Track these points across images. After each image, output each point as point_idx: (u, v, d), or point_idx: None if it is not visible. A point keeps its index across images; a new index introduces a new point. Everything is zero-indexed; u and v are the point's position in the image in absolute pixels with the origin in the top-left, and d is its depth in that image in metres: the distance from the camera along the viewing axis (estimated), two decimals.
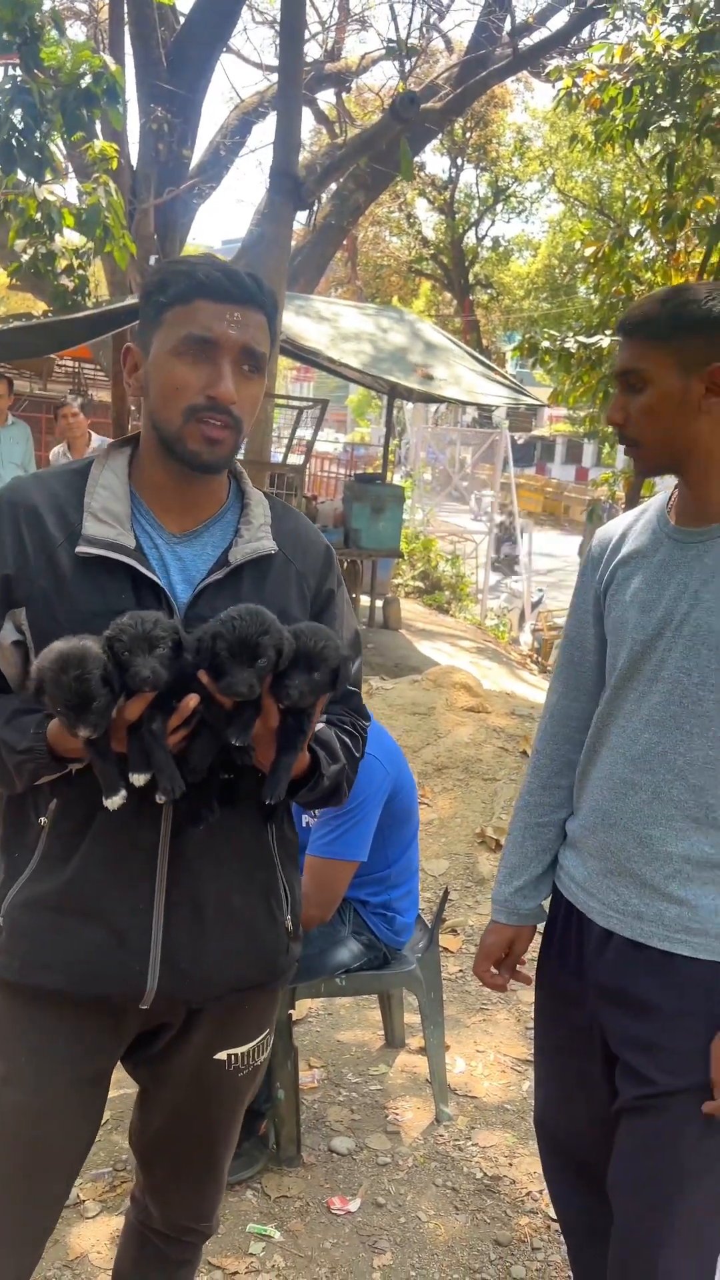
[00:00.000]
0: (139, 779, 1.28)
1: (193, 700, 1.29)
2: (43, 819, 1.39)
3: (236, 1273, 2.26)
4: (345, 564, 9.11)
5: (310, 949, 2.54)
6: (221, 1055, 1.53)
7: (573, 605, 1.78)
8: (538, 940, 1.84)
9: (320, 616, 1.51)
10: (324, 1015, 3.36)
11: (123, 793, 1.29)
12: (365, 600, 10.20)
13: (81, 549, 1.36)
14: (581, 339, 6.90)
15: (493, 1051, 3.20)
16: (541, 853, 1.79)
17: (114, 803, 1.29)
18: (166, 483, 1.44)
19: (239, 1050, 1.54)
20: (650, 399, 1.51)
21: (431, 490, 17.57)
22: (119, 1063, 1.56)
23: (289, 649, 1.30)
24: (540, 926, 1.83)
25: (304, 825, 2.53)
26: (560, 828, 1.79)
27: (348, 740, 1.53)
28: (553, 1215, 2.48)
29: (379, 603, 10.23)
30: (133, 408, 8.45)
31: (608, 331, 6.93)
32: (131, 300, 7.74)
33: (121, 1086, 1.65)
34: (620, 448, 1.70)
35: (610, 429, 1.64)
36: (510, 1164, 2.70)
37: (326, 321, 8.94)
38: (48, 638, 1.32)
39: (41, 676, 1.22)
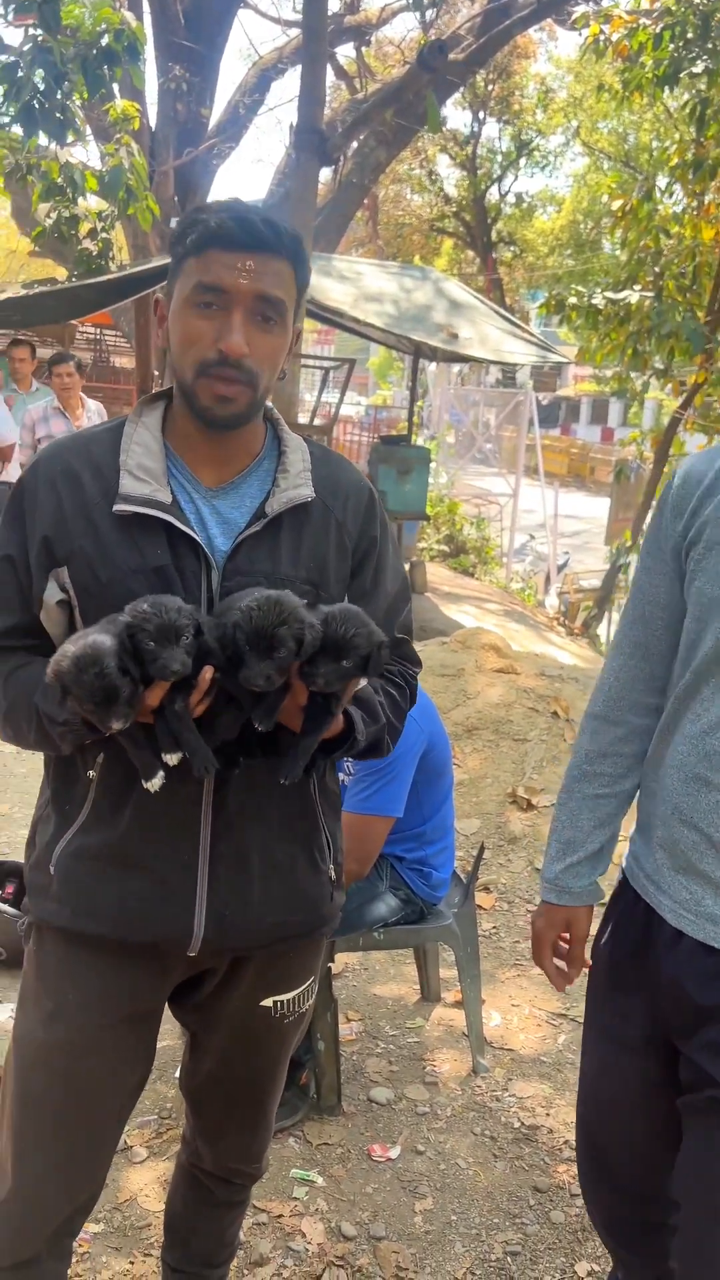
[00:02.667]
0: (172, 758, 1.30)
1: (209, 672, 1.28)
2: (91, 772, 1.41)
3: (281, 1215, 2.32)
4: None
5: (348, 904, 2.58)
6: (268, 1002, 1.56)
7: (643, 554, 1.56)
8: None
9: (363, 564, 1.49)
10: (360, 970, 3.41)
11: (161, 774, 1.31)
12: None
13: (119, 507, 1.36)
14: (609, 295, 6.82)
15: (528, 1005, 3.24)
16: (599, 827, 1.62)
17: (154, 785, 1.31)
18: (198, 436, 1.42)
19: (284, 997, 1.57)
20: None
21: (455, 453, 17.42)
22: (168, 1009, 1.59)
23: (312, 638, 1.27)
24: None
25: (341, 783, 2.56)
26: (622, 800, 1.62)
27: (395, 693, 1.53)
28: None
29: (404, 566, 10.19)
30: (156, 372, 8.42)
31: (636, 287, 6.83)
32: (154, 263, 7.69)
33: (162, 1038, 1.69)
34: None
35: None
36: (547, 1114, 2.74)
37: (349, 281, 8.83)
38: (90, 596, 1.36)
39: (62, 680, 1.22)
